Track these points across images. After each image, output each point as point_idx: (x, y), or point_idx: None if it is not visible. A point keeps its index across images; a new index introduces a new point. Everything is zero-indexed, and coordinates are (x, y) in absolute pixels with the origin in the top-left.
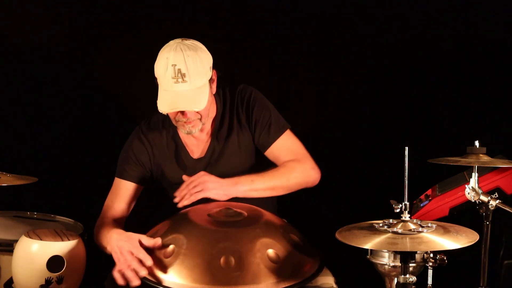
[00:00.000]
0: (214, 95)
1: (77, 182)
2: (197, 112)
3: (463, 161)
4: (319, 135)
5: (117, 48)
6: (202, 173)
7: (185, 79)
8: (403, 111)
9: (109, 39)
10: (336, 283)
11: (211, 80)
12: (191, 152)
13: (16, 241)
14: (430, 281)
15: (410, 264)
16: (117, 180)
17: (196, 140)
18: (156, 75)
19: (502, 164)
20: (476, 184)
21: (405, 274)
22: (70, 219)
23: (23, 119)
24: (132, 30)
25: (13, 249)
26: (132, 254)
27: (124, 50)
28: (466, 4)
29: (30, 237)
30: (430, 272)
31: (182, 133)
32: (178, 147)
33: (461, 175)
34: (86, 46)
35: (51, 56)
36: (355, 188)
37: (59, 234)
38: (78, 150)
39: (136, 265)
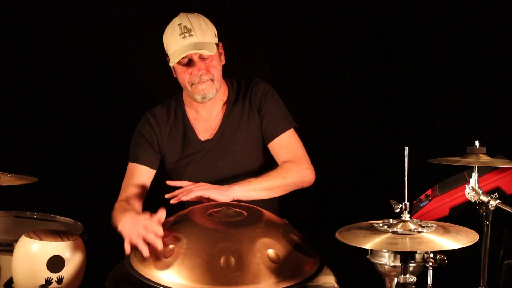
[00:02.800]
0: (226, 81)
1: (77, 182)
2: (208, 72)
3: (463, 161)
4: (319, 135)
5: (118, 49)
6: (201, 183)
7: (191, 33)
8: (403, 111)
9: (109, 40)
10: (337, 282)
11: (218, 47)
12: (198, 134)
13: (16, 241)
14: (430, 281)
15: (410, 264)
16: (130, 165)
17: (205, 123)
18: (166, 48)
19: (502, 164)
20: (476, 184)
21: (405, 274)
22: (70, 219)
23: (23, 119)
24: (132, 29)
25: (13, 249)
26: (147, 228)
27: (125, 50)
28: (467, 5)
29: (30, 237)
30: (430, 272)
31: (191, 115)
32: (186, 128)
33: (461, 175)
34: (86, 46)
35: (51, 56)
36: (355, 188)
37: (59, 234)
38: (79, 150)
39: (152, 237)
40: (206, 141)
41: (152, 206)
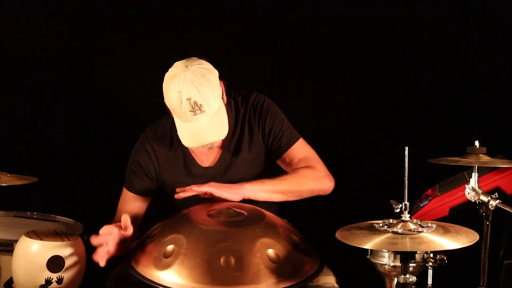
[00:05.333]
0: (225, 105)
1: (77, 182)
2: None
3: (463, 161)
4: (319, 136)
5: (119, 48)
6: (212, 182)
7: (203, 109)
8: (403, 111)
9: (111, 39)
10: (337, 282)
11: (222, 95)
12: (200, 161)
13: (16, 241)
14: (430, 281)
15: (410, 264)
16: (125, 190)
17: (206, 150)
18: (168, 106)
19: (502, 164)
20: (476, 184)
21: (405, 274)
22: (70, 219)
23: (23, 119)
24: (133, 31)
25: (13, 249)
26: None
27: (126, 51)
28: (466, 5)
29: (30, 237)
30: (430, 272)
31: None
32: (186, 157)
33: (461, 175)
34: (86, 46)
35: (51, 56)
36: (355, 188)
37: (59, 234)
38: (78, 150)
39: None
40: (208, 168)
41: (151, 207)
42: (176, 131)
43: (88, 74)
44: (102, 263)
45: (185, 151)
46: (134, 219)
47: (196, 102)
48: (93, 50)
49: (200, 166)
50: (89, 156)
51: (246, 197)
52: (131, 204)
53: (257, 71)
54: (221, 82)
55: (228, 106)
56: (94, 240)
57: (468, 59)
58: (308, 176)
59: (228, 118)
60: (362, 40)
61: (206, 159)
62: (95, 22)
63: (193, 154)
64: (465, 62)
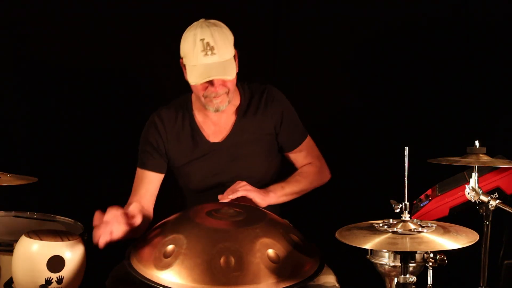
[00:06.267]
0: (237, 86)
1: (77, 182)
2: (225, 86)
3: (463, 161)
4: (319, 136)
5: (118, 49)
6: (244, 185)
7: (214, 52)
8: (403, 111)
9: (111, 39)
10: (338, 282)
11: (234, 57)
12: (207, 136)
13: (16, 241)
14: (430, 281)
15: (410, 264)
16: (138, 170)
17: (214, 126)
18: (182, 54)
19: (502, 164)
20: (476, 184)
21: (405, 274)
22: (70, 219)
23: (23, 119)
24: (133, 31)
25: (13, 249)
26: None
27: (126, 51)
28: (467, 4)
29: (30, 237)
30: (430, 272)
31: (199, 118)
32: (194, 131)
33: (461, 175)
34: (86, 47)
35: (51, 55)
36: (355, 188)
37: (59, 234)
38: (79, 150)
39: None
40: (215, 143)
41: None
42: (186, 107)
43: (88, 74)
44: (101, 243)
45: (193, 125)
46: (150, 197)
47: (209, 43)
48: (92, 51)
49: (207, 141)
50: (89, 156)
51: (270, 204)
52: (146, 182)
53: (257, 71)
54: (235, 50)
55: (240, 87)
56: (97, 220)
57: (468, 59)
58: (313, 173)
59: (241, 99)
60: (362, 40)
61: (214, 135)
62: (94, 21)
63: (201, 129)
64: (466, 62)
